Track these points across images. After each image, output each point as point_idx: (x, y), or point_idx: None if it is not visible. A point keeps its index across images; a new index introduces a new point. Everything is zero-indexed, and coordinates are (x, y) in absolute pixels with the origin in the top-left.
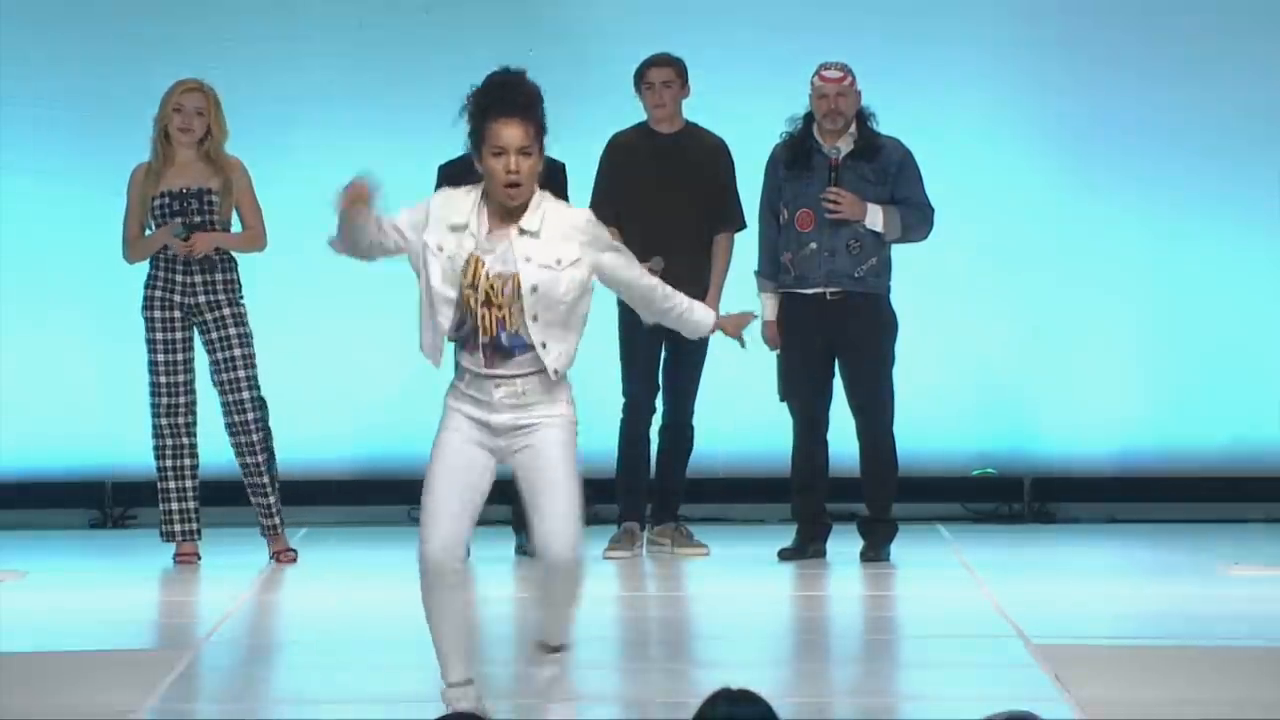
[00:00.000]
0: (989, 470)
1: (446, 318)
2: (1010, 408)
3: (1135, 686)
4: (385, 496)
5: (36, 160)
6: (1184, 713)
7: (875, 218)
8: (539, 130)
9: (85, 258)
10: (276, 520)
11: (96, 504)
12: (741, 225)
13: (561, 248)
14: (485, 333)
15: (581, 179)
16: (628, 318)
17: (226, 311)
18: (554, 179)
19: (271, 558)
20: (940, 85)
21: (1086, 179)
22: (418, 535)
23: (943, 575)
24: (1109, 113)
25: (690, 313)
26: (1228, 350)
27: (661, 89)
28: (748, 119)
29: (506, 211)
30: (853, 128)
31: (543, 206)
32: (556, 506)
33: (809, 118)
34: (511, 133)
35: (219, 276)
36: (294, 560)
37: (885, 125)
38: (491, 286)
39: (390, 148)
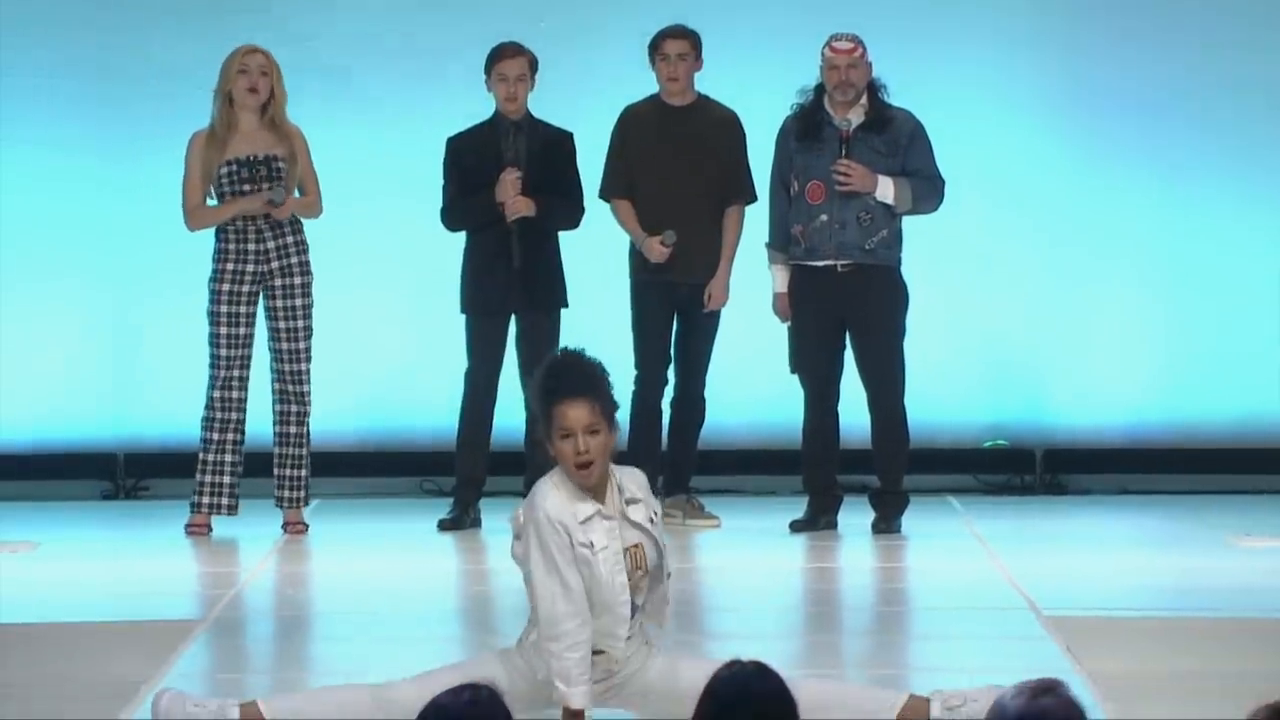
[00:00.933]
0: (1001, 442)
1: (625, 605)
2: (1022, 380)
3: (1146, 657)
4: (395, 469)
5: (43, 131)
6: (1195, 683)
7: (886, 189)
8: (605, 407)
9: (95, 228)
10: (302, 494)
11: (109, 476)
12: (753, 198)
13: (653, 506)
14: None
15: (594, 151)
16: (640, 290)
17: (297, 280)
18: (561, 148)
19: (283, 529)
20: (952, 56)
21: (1098, 151)
22: None
23: (954, 547)
24: (1123, 86)
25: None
26: (1239, 323)
27: (676, 61)
28: (757, 92)
29: (592, 489)
30: (864, 99)
31: (616, 475)
32: None
33: (820, 89)
34: (577, 414)
35: (290, 240)
36: (304, 532)
37: (896, 97)
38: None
39: (399, 119)
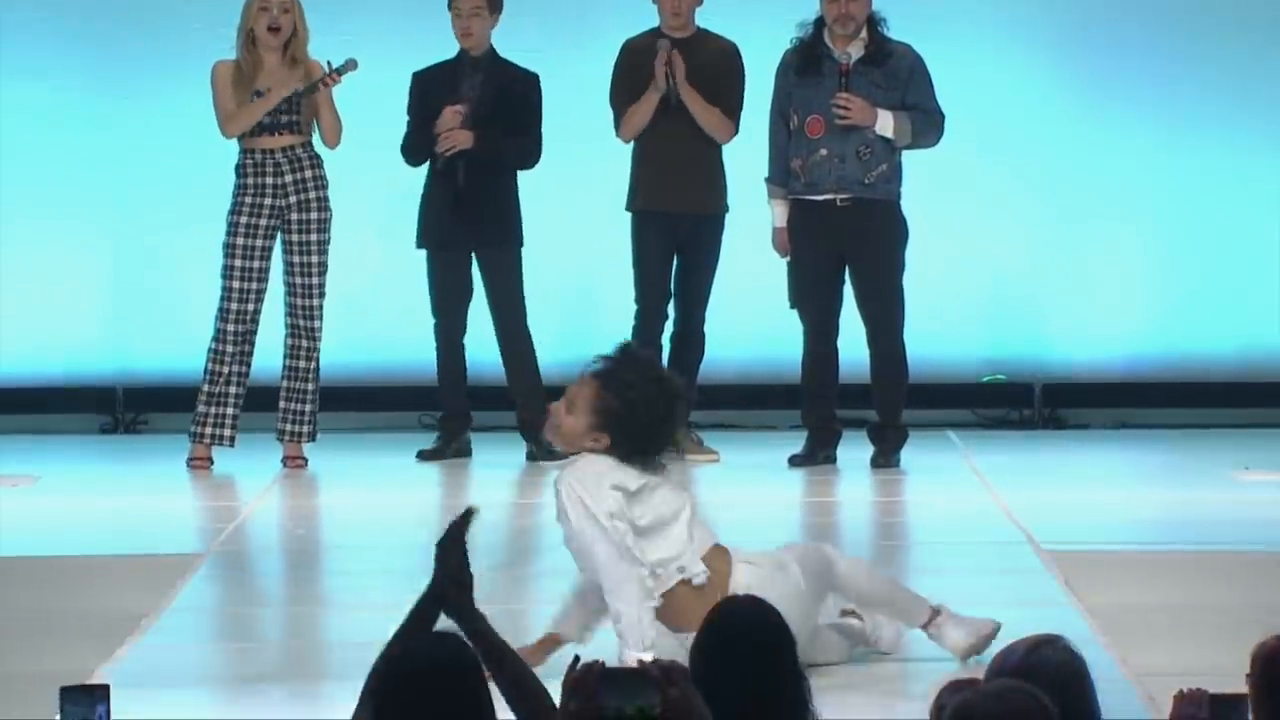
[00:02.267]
0: (999, 376)
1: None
2: (1020, 314)
3: (1144, 591)
4: (393, 403)
5: (42, 65)
6: (1193, 617)
7: (885, 123)
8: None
9: (94, 163)
10: (304, 429)
11: (108, 409)
12: (734, 130)
13: None
14: None
15: (598, 85)
16: (638, 227)
17: (314, 215)
18: (520, 87)
19: (282, 463)
20: None
21: (1096, 88)
22: None
23: (953, 481)
24: (1119, 23)
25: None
26: (1236, 256)
27: None
28: (757, 24)
29: None
30: (864, 33)
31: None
32: None
33: (819, 23)
34: None
35: (309, 174)
36: (303, 467)
37: (896, 31)
38: None
39: (402, 53)
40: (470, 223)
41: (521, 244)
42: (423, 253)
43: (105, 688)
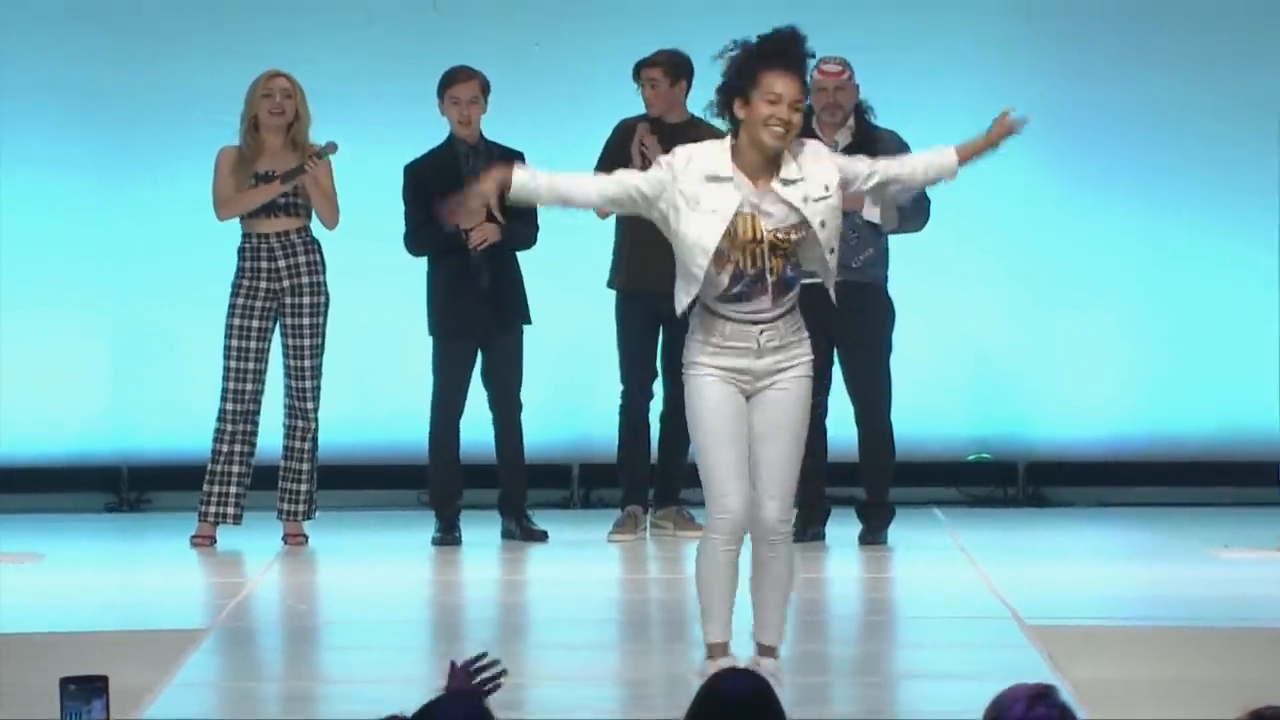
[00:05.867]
0: (984, 455)
1: (700, 269)
2: (1005, 395)
3: (1127, 666)
4: (394, 482)
5: (45, 150)
6: (1175, 692)
7: (872, 208)
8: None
9: (98, 246)
10: (302, 507)
11: (113, 488)
12: None
13: (826, 177)
14: (773, 273)
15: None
16: (622, 305)
17: (307, 300)
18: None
19: (283, 540)
20: (936, 78)
21: (1079, 171)
22: (710, 495)
23: (939, 558)
24: (1102, 103)
25: (929, 170)
26: (1214, 339)
27: (650, 86)
28: None
29: (764, 163)
30: (851, 121)
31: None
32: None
33: (808, 111)
34: (788, 87)
35: (302, 259)
36: (304, 544)
37: (882, 118)
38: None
39: (399, 141)
40: (489, 310)
41: (528, 322)
42: (427, 338)
43: (104, 679)
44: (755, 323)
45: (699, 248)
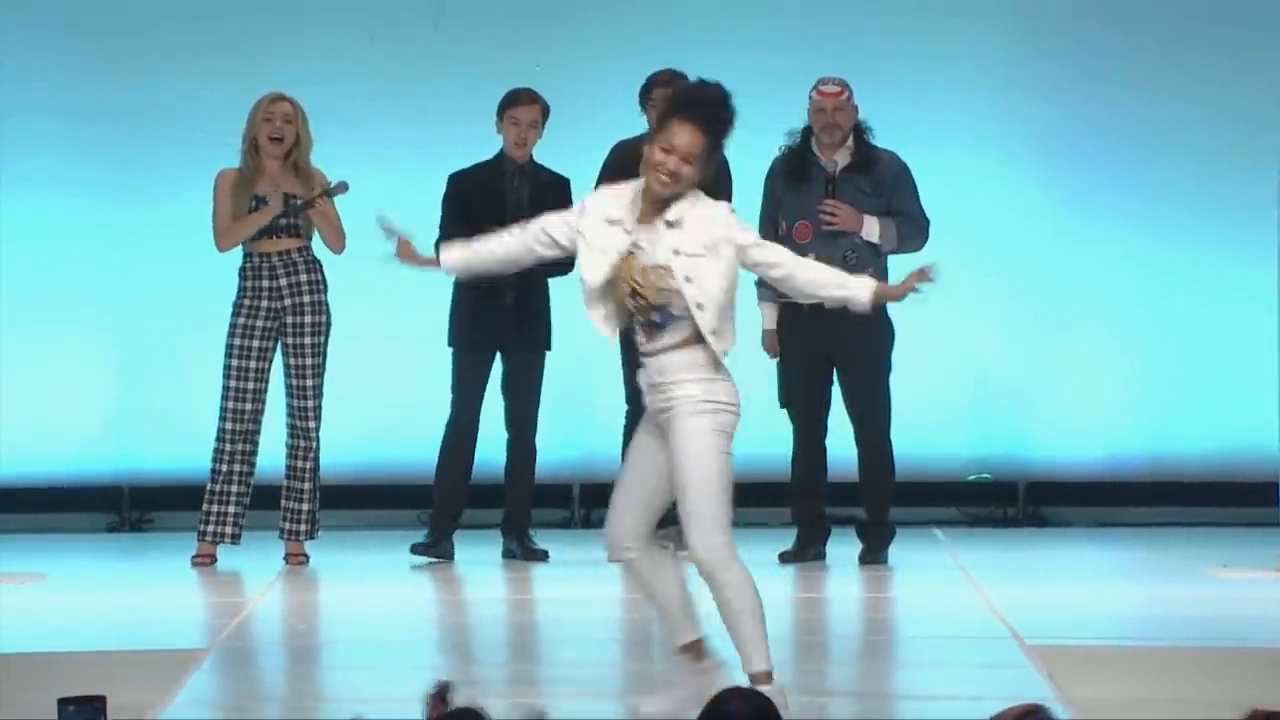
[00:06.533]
0: (984, 475)
1: (589, 303)
2: (1005, 415)
3: (1127, 686)
4: (394, 501)
5: (47, 171)
6: (1175, 712)
7: (871, 229)
8: (714, 143)
9: (99, 267)
10: (303, 527)
11: (114, 508)
12: None
13: (709, 238)
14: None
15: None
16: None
17: (308, 319)
18: (559, 192)
19: (284, 560)
20: (935, 97)
21: (1078, 188)
22: None
23: (939, 577)
24: (1101, 121)
25: (840, 291)
26: (1213, 360)
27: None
28: (746, 133)
29: (659, 204)
30: (850, 141)
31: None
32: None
33: (807, 131)
34: (685, 140)
35: (303, 278)
36: (305, 564)
37: (881, 139)
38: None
39: (400, 162)
40: (511, 326)
41: (549, 348)
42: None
43: (102, 699)
44: (644, 355)
45: (587, 284)
